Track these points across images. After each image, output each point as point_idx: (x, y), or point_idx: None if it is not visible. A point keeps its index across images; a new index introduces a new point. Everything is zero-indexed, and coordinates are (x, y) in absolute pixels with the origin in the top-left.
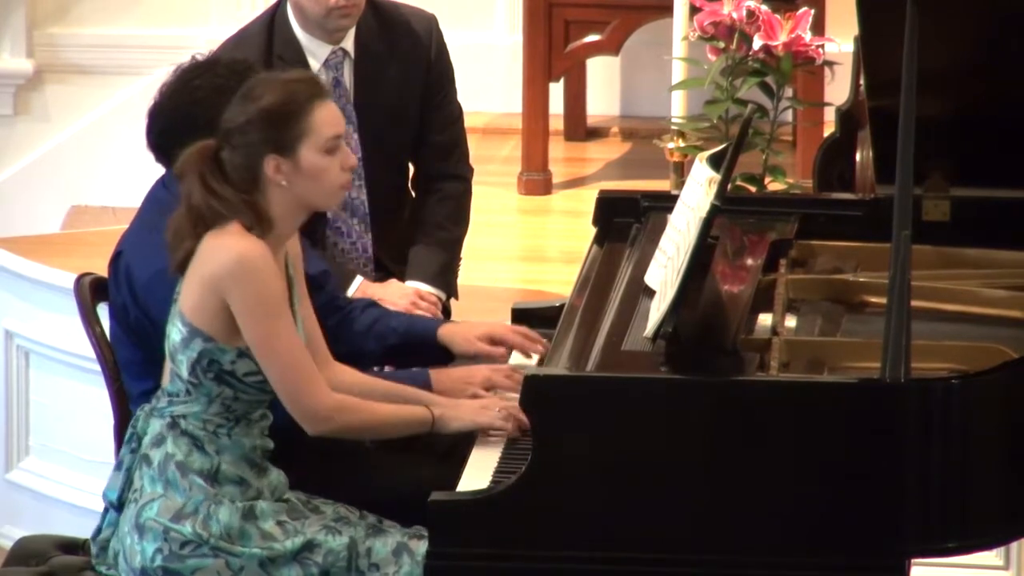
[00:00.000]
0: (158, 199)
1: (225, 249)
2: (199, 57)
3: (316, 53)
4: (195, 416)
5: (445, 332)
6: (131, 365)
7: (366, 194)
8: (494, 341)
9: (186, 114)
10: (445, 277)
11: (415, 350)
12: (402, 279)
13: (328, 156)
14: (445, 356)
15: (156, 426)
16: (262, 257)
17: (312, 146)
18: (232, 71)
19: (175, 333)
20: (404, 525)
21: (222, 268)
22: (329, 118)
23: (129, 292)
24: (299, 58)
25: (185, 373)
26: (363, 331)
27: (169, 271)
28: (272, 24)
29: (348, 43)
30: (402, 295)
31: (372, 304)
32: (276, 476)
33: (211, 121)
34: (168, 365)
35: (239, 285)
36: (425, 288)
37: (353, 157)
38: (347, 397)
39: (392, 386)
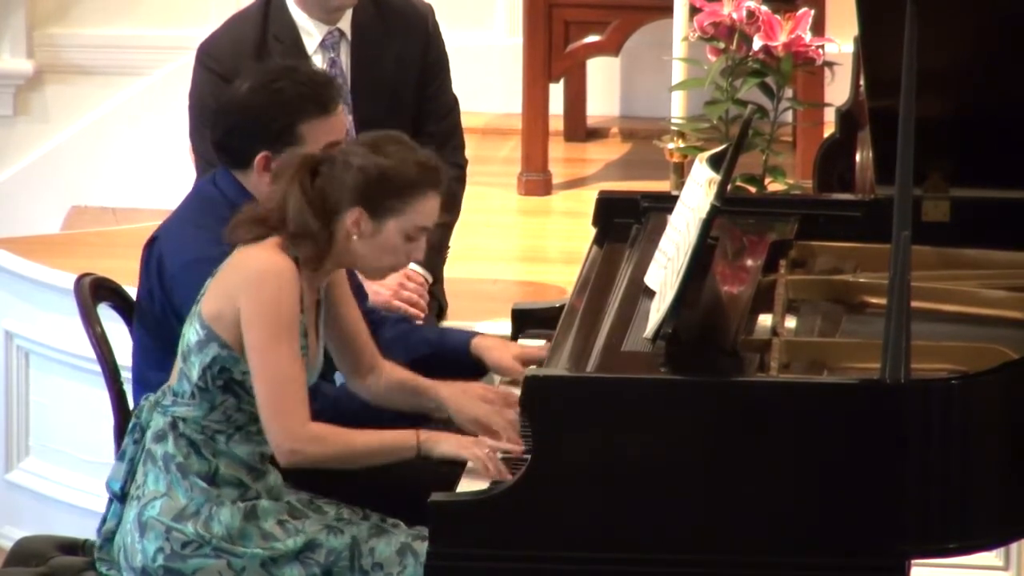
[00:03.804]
0: (204, 195)
1: (252, 258)
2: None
3: (313, 33)
4: (194, 420)
5: (478, 345)
6: (150, 354)
7: None
8: (527, 363)
9: (262, 115)
10: (431, 258)
11: (445, 362)
12: None
13: (406, 241)
14: (475, 370)
15: (160, 422)
16: (284, 274)
17: (400, 225)
18: (313, 80)
19: (192, 334)
20: (408, 524)
21: (243, 276)
22: (430, 211)
23: (158, 279)
24: (295, 39)
25: (195, 376)
26: (393, 338)
27: (225, 238)
28: (268, 6)
29: (345, 24)
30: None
31: (404, 319)
32: (273, 478)
33: (287, 127)
34: (178, 364)
35: (251, 293)
36: (411, 267)
37: (422, 253)
38: (325, 428)
39: (426, 389)
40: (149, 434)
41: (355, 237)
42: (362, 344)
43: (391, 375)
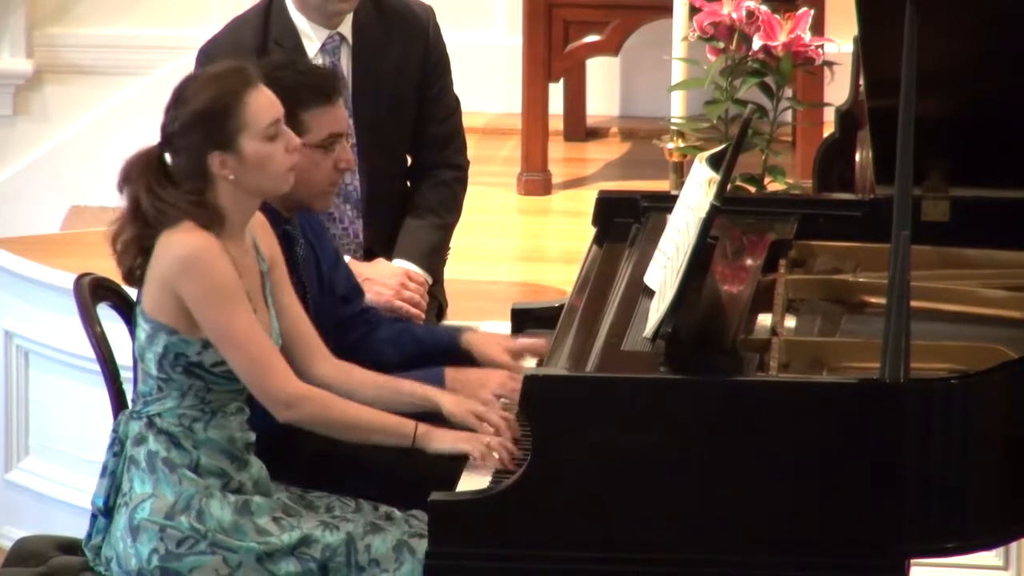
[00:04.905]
0: None
1: (173, 245)
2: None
3: (313, 38)
4: (170, 412)
5: (468, 340)
6: None
7: (359, 180)
8: (516, 354)
9: None
10: (432, 259)
11: (435, 357)
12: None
13: (270, 143)
14: (465, 364)
15: (135, 427)
16: (207, 250)
17: (252, 137)
18: (314, 72)
19: (140, 333)
20: (401, 509)
21: (171, 265)
22: (264, 105)
23: None
24: (296, 43)
25: (154, 370)
26: (384, 339)
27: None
28: (269, 9)
29: (345, 28)
30: (391, 275)
31: (398, 320)
32: (257, 469)
33: (289, 115)
34: (140, 367)
35: (188, 278)
36: (412, 268)
37: (296, 139)
38: (319, 390)
39: (401, 384)
40: (128, 442)
41: (231, 177)
42: (302, 332)
43: (359, 376)
